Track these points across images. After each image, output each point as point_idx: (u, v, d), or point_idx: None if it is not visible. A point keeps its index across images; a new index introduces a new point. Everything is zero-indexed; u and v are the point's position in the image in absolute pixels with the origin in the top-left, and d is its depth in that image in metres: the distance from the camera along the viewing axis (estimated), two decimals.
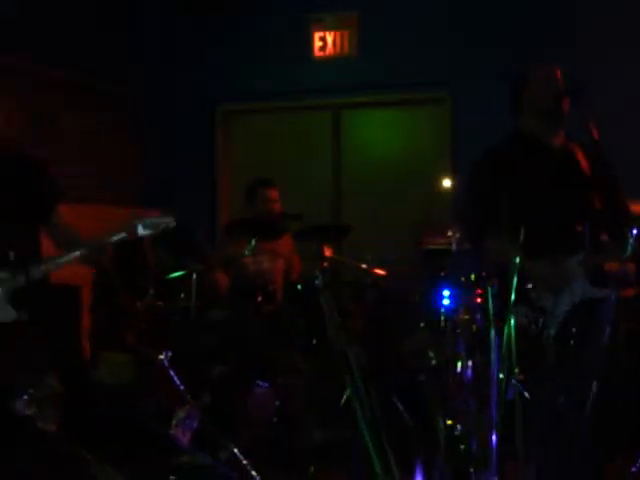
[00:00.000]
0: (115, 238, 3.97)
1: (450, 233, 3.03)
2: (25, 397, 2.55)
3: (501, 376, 2.27)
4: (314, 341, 5.94)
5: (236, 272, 6.20)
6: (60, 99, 7.29)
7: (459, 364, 2.38)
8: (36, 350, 3.66)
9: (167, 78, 8.30)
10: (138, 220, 3.98)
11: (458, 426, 2.28)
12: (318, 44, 8.17)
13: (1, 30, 6.49)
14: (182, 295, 6.08)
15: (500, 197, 3.90)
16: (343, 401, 5.20)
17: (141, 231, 3.97)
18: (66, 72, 7.19)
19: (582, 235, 3.93)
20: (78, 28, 7.34)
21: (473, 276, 3.42)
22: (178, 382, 2.68)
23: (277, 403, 4.82)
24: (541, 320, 3.69)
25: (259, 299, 5.86)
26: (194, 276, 5.94)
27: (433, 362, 2.40)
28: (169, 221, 4.03)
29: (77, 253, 3.91)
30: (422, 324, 2.41)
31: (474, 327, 2.64)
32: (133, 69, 8.01)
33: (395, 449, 2.23)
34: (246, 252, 5.91)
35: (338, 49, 8.12)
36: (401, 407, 2.45)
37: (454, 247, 2.82)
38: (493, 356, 2.30)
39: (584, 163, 4.10)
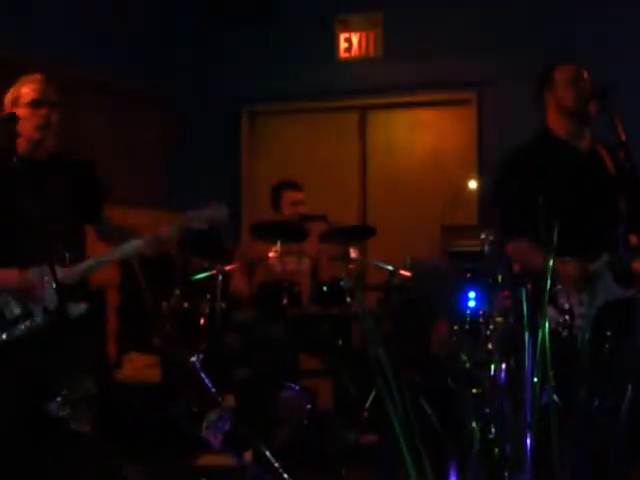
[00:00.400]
0: (170, 230, 3.95)
1: (483, 236, 3.02)
2: (59, 398, 2.56)
3: (535, 380, 2.25)
4: (340, 342, 5.94)
5: (261, 274, 6.20)
6: (89, 99, 7.31)
7: (492, 367, 2.37)
8: (71, 351, 3.68)
9: (194, 79, 8.31)
10: (193, 213, 3.96)
11: (492, 429, 2.26)
12: (343, 45, 8.17)
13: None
14: (208, 296, 6.08)
15: (526, 198, 3.91)
16: (369, 403, 5.22)
17: (197, 224, 3.95)
18: (96, 72, 7.21)
19: (608, 236, 3.92)
20: (108, 28, 7.37)
21: (500, 278, 3.40)
22: (209, 384, 2.68)
23: (308, 406, 4.82)
24: (569, 322, 3.67)
25: (285, 301, 5.85)
26: (220, 277, 5.95)
27: (467, 365, 2.39)
28: (223, 213, 4.00)
29: (133, 245, 3.90)
30: (455, 327, 2.40)
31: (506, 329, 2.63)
32: (163, 69, 8.02)
33: (427, 452, 2.22)
34: (270, 254, 5.90)
35: (363, 50, 8.11)
36: (429, 410, 2.44)
37: (486, 249, 2.81)
38: (527, 359, 2.28)
39: (611, 165, 4.08)
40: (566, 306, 3.73)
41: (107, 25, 7.34)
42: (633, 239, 4.00)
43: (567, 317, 3.70)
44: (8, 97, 3.94)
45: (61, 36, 6.88)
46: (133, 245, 3.93)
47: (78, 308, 3.79)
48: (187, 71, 8.26)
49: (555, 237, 2.44)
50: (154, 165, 8.07)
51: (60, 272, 3.69)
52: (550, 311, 2.47)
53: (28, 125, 3.87)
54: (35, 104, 3.88)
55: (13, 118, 3.81)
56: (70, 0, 7.08)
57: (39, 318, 3.74)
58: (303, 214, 6.36)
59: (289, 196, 6.36)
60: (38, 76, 3.98)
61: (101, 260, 3.93)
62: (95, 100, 7.39)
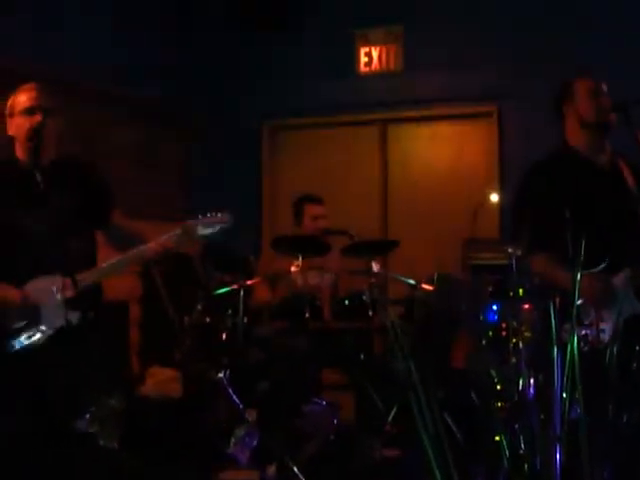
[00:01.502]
0: (173, 237, 3.96)
1: (510, 250, 3.01)
2: (87, 415, 2.57)
3: (564, 395, 2.25)
4: (362, 356, 5.93)
5: (283, 288, 6.20)
6: (109, 113, 7.35)
7: (521, 382, 2.36)
8: (98, 367, 3.68)
9: (215, 93, 8.35)
10: (194, 220, 3.97)
11: (522, 444, 2.26)
12: (364, 59, 8.18)
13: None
14: (229, 311, 6.08)
15: (546, 213, 3.90)
16: (391, 417, 5.21)
17: (200, 231, 3.96)
18: (115, 86, 7.25)
19: (630, 251, 3.90)
20: (128, 42, 7.42)
21: (522, 291, 3.39)
22: (236, 400, 2.68)
23: (335, 421, 4.81)
24: (590, 338, 3.66)
25: (307, 315, 5.85)
26: (241, 292, 5.95)
27: (495, 380, 2.39)
28: (226, 219, 4.01)
29: (135, 253, 3.91)
30: (482, 341, 2.40)
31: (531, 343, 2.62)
32: (182, 83, 8.06)
33: (456, 468, 2.21)
34: (292, 268, 5.90)
35: (384, 64, 8.13)
36: (453, 425, 2.43)
37: (513, 263, 2.80)
38: (556, 374, 2.28)
39: (631, 179, 4.07)
40: (587, 321, 3.72)
41: (127, 39, 7.38)
42: None
43: (588, 332, 3.69)
44: (6, 108, 3.95)
45: (80, 49, 6.92)
46: (138, 252, 3.94)
47: (73, 316, 3.78)
48: (208, 86, 8.30)
49: (579, 251, 2.44)
50: (174, 181, 8.11)
51: (66, 281, 3.71)
52: (569, 326, 2.47)
53: (24, 132, 3.87)
54: (28, 112, 3.87)
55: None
56: (88, 13, 7.11)
57: (45, 328, 3.75)
58: (325, 228, 6.36)
59: (310, 210, 6.37)
60: (33, 84, 3.97)
61: (107, 269, 3.93)
62: (114, 114, 7.42)
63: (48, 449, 3.57)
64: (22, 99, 3.91)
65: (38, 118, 3.86)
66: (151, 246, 3.95)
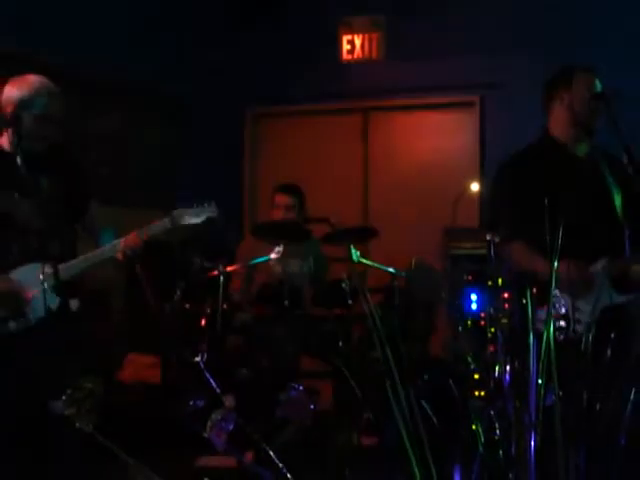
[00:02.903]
0: (159, 227, 3.97)
1: (489, 237, 3.03)
2: (64, 397, 2.57)
3: (539, 381, 2.26)
4: (340, 344, 5.94)
5: (263, 275, 6.20)
6: (91, 96, 7.31)
7: (497, 369, 2.38)
8: (77, 351, 3.69)
9: (198, 79, 8.32)
10: (180, 210, 3.98)
11: (497, 430, 2.27)
12: (346, 47, 8.18)
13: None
14: (209, 297, 6.08)
15: (524, 201, 3.93)
16: (369, 404, 5.22)
17: (185, 220, 3.97)
18: (103, 72, 7.21)
19: (606, 241, 3.93)
20: (117, 29, 7.39)
21: (501, 280, 3.41)
22: (214, 384, 2.69)
23: (312, 406, 4.83)
24: (565, 327, 3.68)
25: (286, 302, 5.85)
26: (221, 278, 5.94)
27: (472, 367, 2.40)
28: (212, 211, 4.02)
29: (119, 243, 3.91)
30: (460, 329, 2.41)
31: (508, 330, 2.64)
32: (165, 69, 8.04)
33: (432, 454, 2.23)
34: (273, 255, 5.89)
35: (366, 52, 8.13)
36: (430, 412, 2.45)
37: (492, 252, 2.82)
38: (532, 361, 2.30)
39: (610, 170, 4.09)
40: (562, 311, 3.74)
41: (110, 24, 7.34)
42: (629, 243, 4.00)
43: (563, 322, 3.71)
44: (15, 95, 3.85)
45: (64, 34, 6.87)
46: (114, 246, 3.94)
47: (74, 303, 3.80)
48: (190, 73, 8.27)
49: (556, 240, 2.46)
50: (157, 166, 8.08)
51: (58, 268, 3.70)
52: (542, 314, 2.49)
53: (30, 135, 3.83)
54: (43, 119, 3.85)
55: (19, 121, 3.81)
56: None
57: (32, 316, 3.76)
58: (304, 216, 6.36)
59: (279, 200, 6.35)
60: (53, 88, 3.93)
61: (88, 263, 3.93)
62: (98, 99, 7.39)
63: (19, 431, 3.59)
64: (41, 102, 3.85)
65: (51, 128, 3.89)
66: (137, 236, 3.95)
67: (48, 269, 3.70)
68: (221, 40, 8.40)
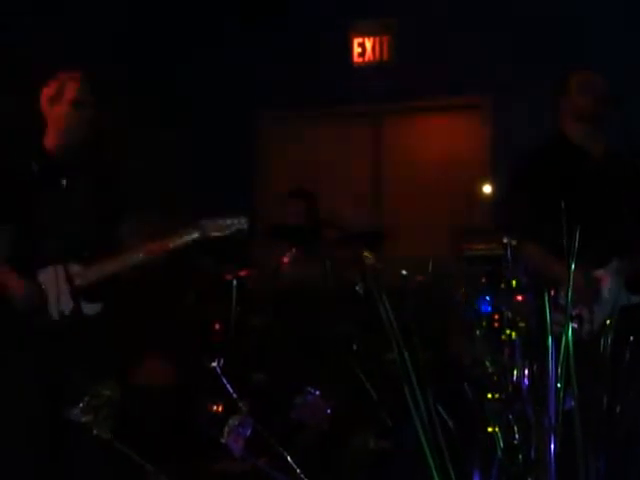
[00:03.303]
0: (187, 239, 3.94)
1: (505, 240, 3.02)
2: (82, 404, 2.58)
3: (559, 385, 2.25)
4: (354, 347, 5.93)
5: (276, 278, 6.21)
6: (106, 98, 7.30)
7: (515, 372, 2.37)
8: (90, 352, 3.70)
9: (209, 83, 8.32)
10: (209, 222, 3.95)
11: (516, 435, 2.27)
12: (357, 50, 8.18)
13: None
14: (223, 300, 6.08)
15: (538, 202, 3.92)
16: (385, 408, 5.21)
17: (214, 233, 3.94)
18: (112, 71, 7.21)
19: (619, 241, 3.92)
20: (126, 28, 7.39)
21: (515, 282, 3.40)
22: (231, 389, 2.69)
23: (328, 411, 4.82)
24: (576, 329, 3.67)
25: (299, 305, 5.86)
26: (235, 282, 5.95)
27: (490, 370, 2.40)
28: (242, 223, 3.99)
29: (140, 256, 3.90)
30: (478, 332, 2.41)
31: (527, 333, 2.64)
32: (180, 71, 8.03)
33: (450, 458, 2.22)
34: (284, 259, 5.90)
35: (377, 55, 8.11)
36: (446, 415, 2.44)
37: (508, 254, 2.81)
38: (550, 364, 2.29)
39: (622, 170, 4.09)
40: (573, 312, 3.73)
41: (114, 22, 7.33)
42: None
43: (574, 324, 3.70)
44: (48, 92, 3.91)
45: (72, 33, 6.87)
46: (140, 257, 3.92)
47: (93, 308, 3.81)
48: (203, 75, 8.26)
49: (573, 242, 2.45)
50: (168, 168, 8.07)
51: (75, 271, 3.71)
52: (558, 317, 2.48)
53: (68, 123, 3.88)
54: (77, 103, 3.88)
55: None
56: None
57: (54, 314, 3.77)
58: (317, 220, 6.36)
59: (291, 205, 6.36)
60: (77, 74, 3.96)
61: (116, 268, 3.92)
62: (111, 99, 7.37)
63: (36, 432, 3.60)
64: (71, 89, 3.89)
65: (88, 111, 3.91)
66: (162, 245, 3.93)
67: (62, 272, 3.71)
68: (232, 43, 8.40)
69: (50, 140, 3.95)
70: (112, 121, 7.14)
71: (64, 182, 3.79)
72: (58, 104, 3.90)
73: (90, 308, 3.79)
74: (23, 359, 3.77)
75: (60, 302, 3.72)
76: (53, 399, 3.60)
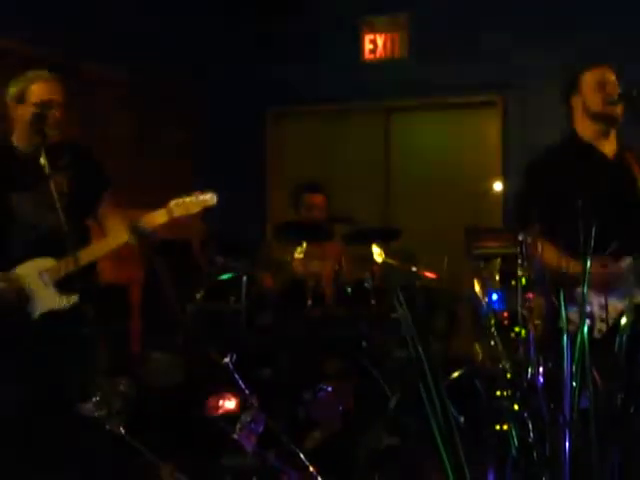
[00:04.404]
0: (156, 222, 3.93)
1: (520, 237, 3.01)
2: (95, 399, 2.57)
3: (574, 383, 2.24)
4: (363, 344, 5.92)
5: (285, 275, 6.20)
6: (108, 96, 7.31)
7: (530, 370, 2.36)
8: (104, 352, 3.70)
9: (219, 80, 8.32)
10: (177, 201, 3.93)
11: (531, 433, 2.25)
12: (369, 47, 8.17)
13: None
14: (232, 297, 6.08)
15: (554, 198, 3.91)
16: (392, 405, 5.21)
17: (182, 211, 3.92)
18: (121, 71, 7.22)
19: (632, 240, 3.90)
20: (132, 28, 7.38)
21: (525, 280, 3.39)
22: (242, 385, 2.68)
23: (340, 408, 4.82)
24: (590, 325, 3.65)
25: (309, 302, 5.85)
26: (244, 278, 5.94)
27: (504, 367, 2.39)
28: (209, 198, 3.96)
29: (120, 238, 3.90)
30: (492, 330, 2.40)
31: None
32: (184, 68, 8.03)
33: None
34: (295, 255, 5.89)
35: (389, 52, 8.11)
36: (456, 413, 2.43)
37: (522, 251, 2.80)
38: (566, 362, 2.28)
39: (637, 169, 4.06)
40: (587, 309, 3.72)
41: (127, 23, 7.34)
42: None
43: (588, 321, 3.68)
44: (13, 92, 3.89)
45: (79, 32, 6.87)
46: (119, 237, 3.92)
47: (69, 299, 3.80)
48: (212, 72, 8.27)
49: (589, 240, 2.44)
50: (178, 166, 8.07)
51: (51, 265, 3.72)
52: (572, 314, 2.48)
53: (33, 124, 3.84)
54: (42, 106, 3.85)
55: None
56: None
57: (36, 308, 3.78)
58: (329, 216, 6.35)
59: (306, 199, 6.35)
60: (46, 74, 3.94)
61: (91, 254, 3.91)
62: (114, 99, 7.38)
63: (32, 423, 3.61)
64: (36, 89, 3.87)
65: (55, 114, 3.88)
66: (132, 229, 3.93)
67: (47, 264, 3.72)
68: (241, 40, 8.40)
69: (18, 136, 3.95)
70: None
71: (34, 178, 3.79)
72: (22, 104, 3.88)
73: (67, 300, 3.79)
74: (5, 356, 3.78)
75: (41, 296, 3.73)
76: (43, 393, 3.60)
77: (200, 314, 6.20)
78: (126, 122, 7.49)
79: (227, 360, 2.68)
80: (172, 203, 3.95)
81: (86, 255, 3.85)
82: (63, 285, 3.81)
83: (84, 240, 3.98)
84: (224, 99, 8.38)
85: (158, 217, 3.95)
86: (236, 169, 8.30)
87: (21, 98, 3.89)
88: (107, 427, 2.57)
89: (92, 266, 3.96)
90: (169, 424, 5.65)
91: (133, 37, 7.38)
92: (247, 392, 2.71)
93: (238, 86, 8.36)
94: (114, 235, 3.95)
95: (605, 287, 3.79)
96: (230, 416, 3.10)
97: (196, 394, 5.79)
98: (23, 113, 3.89)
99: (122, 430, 2.56)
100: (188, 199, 3.94)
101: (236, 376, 2.63)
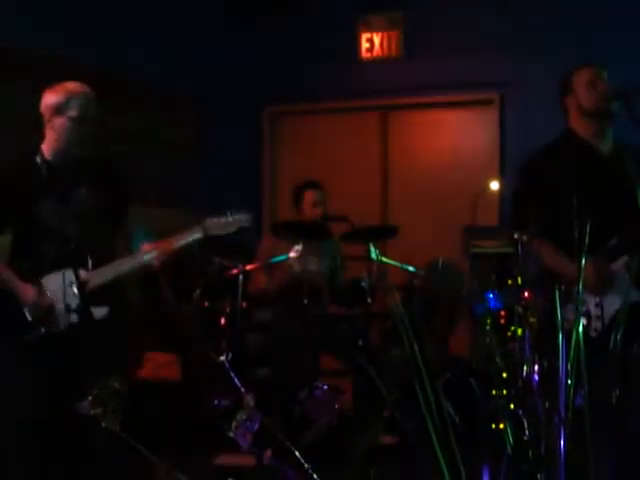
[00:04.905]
0: (190, 238, 3.94)
1: (516, 236, 3.01)
2: (90, 397, 2.58)
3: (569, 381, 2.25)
4: (360, 342, 5.93)
5: (282, 273, 6.19)
6: (108, 97, 7.29)
7: (525, 368, 2.37)
8: (98, 352, 3.70)
9: (216, 79, 8.31)
10: (213, 220, 3.95)
11: (526, 431, 2.26)
12: (365, 45, 8.16)
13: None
14: (229, 296, 6.08)
15: (550, 197, 3.92)
16: (389, 404, 5.21)
17: (218, 231, 3.94)
18: (114, 69, 7.20)
19: (627, 239, 3.90)
20: (134, 29, 7.38)
21: (520, 278, 3.39)
22: (238, 383, 2.69)
23: (336, 405, 4.82)
24: (585, 324, 3.66)
25: (305, 300, 5.84)
26: (241, 277, 5.94)
27: (501, 366, 2.39)
28: (244, 221, 3.99)
29: (151, 255, 3.90)
30: (487, 328, 2.40)
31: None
32: (185, 69, 8.03)
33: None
34: (292, 254, 5.89)
35: (385, 50, 8.09)
36: (452, 412, 2.44)
37: (520, 250, 2.80)
38: (561, 360, 2.28)
39: (632, 167, 4.07)
40: (582, 308, 3.72)
41: (125, 23, 7.33)
42: None
43: (584, 320, 3.69)
44: (51, 101, 3.88)
45: (78, 32, 6.87)
46: (148, 257, 3.92)
47: (100, 312, 3.81)
48: (209, 71, 8.26)
49: (584, 238, 2.45)
50: (175, 165, 8.07)
51: (82, 276, 3.72)
52: (567, 313, 2.48)
53: (68, 138, 3.86)
54: (80, 121, 3.86)
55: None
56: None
57: (62, 321, 3.78)
58: (324, 214, 6.35)
59: (310, 196, 6.35)
60: (88, 91, 3.94)
61: (119, 271, 3.92)
62: (114, 99, 7.37)
63: (49, 433, 3.61)
64: (75, 104, 3.87)
65: (88, 129, 3.89)
66: (171, 243, 3.94)
67: (73, 276, 3.72)
68: (238, 38, 8.39)
69: (48, 147, 3.94)
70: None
71: (63, 188, 3.79)
72: (60, 116, 3.86)
73: (98, 312, 3.79)
74: (24, 363, 3.79)
75: (69, 308, 3.74)
76: (64, 403, 3.60)
77: (197, 313, 6.21)
78: (125, 122, 7.48)
79: (223, 358, 2.68)
80: (208, 221, 3.95)
81: (113, 269, 3.87)
82: (92, 297, 3.80)
83: (109, 254, 3.97)
84: (220, 99, 8.36)
85: (193, 234, 3.95)
86: (232, 168, 8.30)
87: (60, 109, 3.87)
88: (103, 425, 2.58)
89: (120, 280, 3.97)
90: (167, 423, 5.66)
91: (131, 37, 7.37)
92: (243, 390, 2.71)
93: (235, 85, 8.35)
94: (147, 250, 3.94)
95: (600, 289, 3.81)
96: (227, 415, 3.10)
97: (193, 393, 5.81)
98: (59, 124, 3.87)
99: (118, 428, 2.57)
100: (224, 219, 3.96)
101: (232, 374, 2.62)
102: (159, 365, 6.66)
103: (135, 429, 2.78)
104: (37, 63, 6.12)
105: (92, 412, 2.61)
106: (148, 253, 3.91)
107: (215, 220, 3.95)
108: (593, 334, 3.72)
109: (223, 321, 6.00)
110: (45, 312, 3.78)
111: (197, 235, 3.94)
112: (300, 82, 8.19)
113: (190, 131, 8.24)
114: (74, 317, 3.76)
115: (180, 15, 8.07)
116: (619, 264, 3.89)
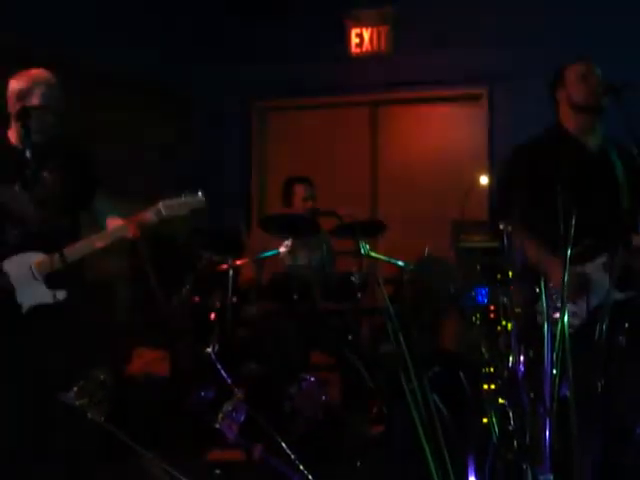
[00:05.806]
0: (144, 216, 3.95)
1: (502, 226, 3.02)
2: (75, 388, 2.58)
3: (554, 372, 2.25)
4: (350, 337, 5.94)
5: (272, 268, 6.19)
6: (91, 93, 7.28)
7: (511, 359, 2.37)
8: (87, 342, 3.71)
9: (205, 75, 8.30)
10: (167, 202, 3.95)
11: (511, 422, 2.26)
12: (355, 41, 8.17)
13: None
14: (218, 291, 6.07)
15: (533, 189, 3.92)
16: (378, 396, 5.22)
17: (171, 213, 3.94)
18: (98, 66, 7.18)
19: (610, 236, 3.89)
20: (123, 24, 7.37)
21: (511, 272, 3.40)
22: (225, 375, 2.69)
23: (323, 397, 4.82)
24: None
25: (295, 296, 5.85)
26: (230, 272, 5.94)
27: (487, 358, 2.40)
28: (198, 200, 3.98)
29: (117, 232, 3.90)
30: (474, 320, 2.40)
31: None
32: (174, 65, 8.01)
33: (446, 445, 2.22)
34: (282, 248, 5.88)
35: (375, 45, 8.11)
36: (439, 403, 2.44)
37: (505, 242, 2.80)
38: (546, 352, 2.29)
39: (620, 163, 4.07)
40: (559, 304, 3.71)
41: (111, 19, 7.31)
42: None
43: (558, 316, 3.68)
44: (15, 87, 3.90)
45: (63, 28, 6.84)
46: (117, 232, 3.93)
47: (59, 294, 3.81)
48: (198, 67, 8.24)
49: (568, 233, 2.45)
50: (164, 161, 8.05)
51: (41, 260, 3.73)
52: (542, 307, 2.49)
53: (33, 125, 3.83)
54: (42, 110, 3.86)
55: (27, 114, 3.83)
56: None
57: (23, 305, 3.79)
58: (313, 209, 6.35)
59: (300, 191, 6.36)
60: (52, 79, 3.94)
61: (87, 247, 3.92)
62: (98, 96, 7.35)
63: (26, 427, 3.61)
64: (37, 92, 3.87)
65: (50, 118, 3.90)
66: (126, 225, 3.95)
67: (37, 258, 3.73)
68: (227, 33, 8.38)
69: (13, 133, 3.96)
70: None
71: (26, 174, 3.79)
72: (24, 104, 3.86)
73: (57, 295, 3.80)
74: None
75: (28, 291, 3.73)
76: (33, 386, 3.61)
77: (186, 308, 6.20)
78: (110, 119, 7.45)
79: (209, 350, 2.68)
80: (161, 204, 3.96)
81: (75, 251, 3.87)
82: (52, 280, 3.81)
83: (74, 236, 3.99)
84: (210, 94, 8.35)
85: (147, 217, 3.96)
86: (221, 164, 8.30)
87: (22, 97, 3.88)
88: (88, 416, 2.58)
89: (81, 262, 3.97)
90: (156, 419, 5.65)
91: (119, 32, 7.35)
92: (230, 383, 2.71)
93: (225, 78, 8.34)
94: (108, 231, 3.96)
95: (573, 295, 3.78)
96: (213, 406, 3.11)
97: (182, 387, 5.80)
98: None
99: (103, 418, 2.57)
100: (177, 201, 3.96)
101: (218, 366, 2.63)
102: (149, 361, 6.66)
103: (125, 425, 2.78)
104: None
105: (77, 403, 2.60)
106: (116, 228, 3.91)
107: (167, 202, 3.95)
108: (572, 331, 3.71)
109: (213, 316, 6.00)
110: (4, 294, 3.79)
111: (150, 217, 3.95)
112: (289, 77, 8.19)
113: (177, 127, 8.22)
114: (35, 300, 3.77)
115: (166, 12, 8.04)
116: (596, 264, 3.88)
